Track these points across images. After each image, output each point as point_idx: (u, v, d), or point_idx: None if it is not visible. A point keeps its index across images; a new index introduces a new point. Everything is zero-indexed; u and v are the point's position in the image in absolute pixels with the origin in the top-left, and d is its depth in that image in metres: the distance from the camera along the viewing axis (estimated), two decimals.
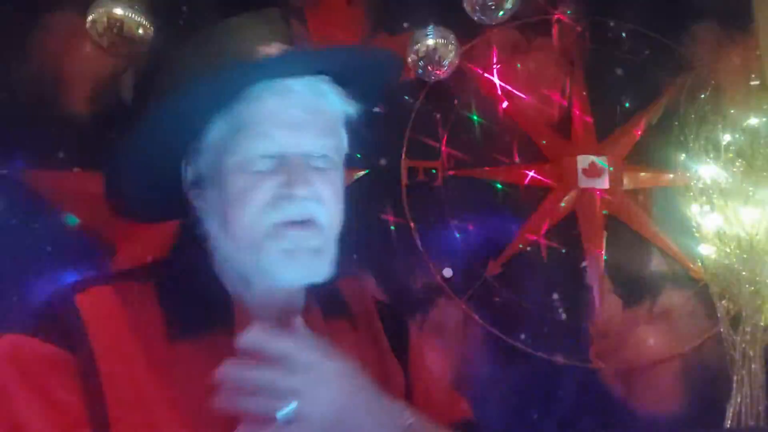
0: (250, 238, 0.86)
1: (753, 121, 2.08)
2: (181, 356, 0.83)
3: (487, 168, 2.38)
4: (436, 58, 2.22)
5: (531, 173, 2.40)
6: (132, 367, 0.81)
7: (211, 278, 0.90)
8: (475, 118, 2.40)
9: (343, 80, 0.93)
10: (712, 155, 2.07)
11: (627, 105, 2.48)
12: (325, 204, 0.88)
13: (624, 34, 2.49)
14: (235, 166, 0.86)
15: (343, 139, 0.95)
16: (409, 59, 2.24)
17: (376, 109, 2.30)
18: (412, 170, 2.32)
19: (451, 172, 2.35)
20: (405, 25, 2.34)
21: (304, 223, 0.86)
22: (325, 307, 0.96)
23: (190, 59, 0.91)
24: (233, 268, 0.90)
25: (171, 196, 0.94)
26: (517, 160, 2.41)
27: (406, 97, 2.35)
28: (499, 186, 2.38)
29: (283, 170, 0.86)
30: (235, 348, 0.83)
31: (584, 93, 2.45)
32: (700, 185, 2.09)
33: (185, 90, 0.87)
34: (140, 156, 0.91)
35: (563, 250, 2.39)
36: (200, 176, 0.91)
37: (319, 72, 0.90)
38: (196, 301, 0.87)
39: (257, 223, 0.85)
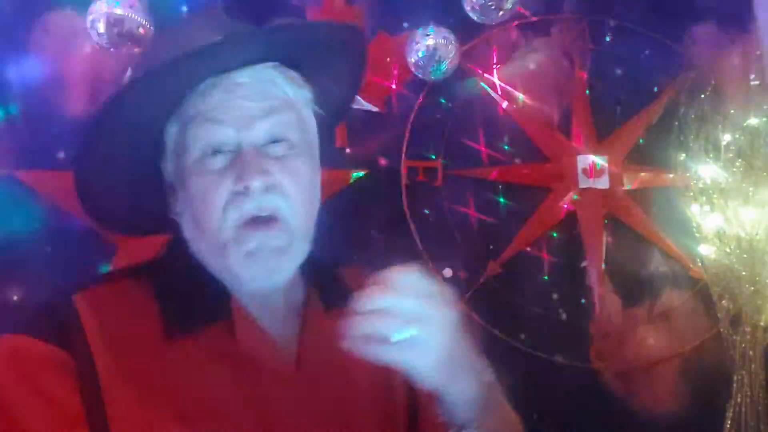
0: (216, 243, 0.84)
1: (753, 121, 2.08)
2: (179, 353, 0.82)
3: (486, 168, 2.38)
4: (436, 58, 2.22)
5: (531, 173, 2.40)
6: (130, 366, 0.80)
7: (207, 274, 0.88)
8: (475, 118, 2.40)
9: (296, 63, 0.90)
10: (712, 155, 2.07)
11: (627, 105, 2.47)
12: (288, 197, 0.85)
13: (624, 34, 2.49)
14: (193, 167, 0.85)
15: (308, 125, 0.91)
16: (409, 59, 2.24)
17: (376, 109, 2.30)
18: (412, 170, 2.32)
19: (451, 172, 2.35)
20: (405, 25, 2.34)
21: (267, 221, 0.84)
22: (327, 299, 0.94)
23: (138, 61, 0.90)
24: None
25: (156, 205, 0.92)
26: (517, 160, 2.41)
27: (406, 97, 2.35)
28: (499, 186, 2.38)
29: (236, 164, 0.83)
30: (233, 343, 0.84)
31: (584, 93, 2.45)
32: (700, 185, 2.09)
33: (129, 89, 0.85)
34: (109, 164, 0.88)
35: (563, 250, 2.39)
36: (171, 180, 0.90)
37: (265, 59, 0.87)
38: (193, 298, 0.86)
39: (222, 226, 0.83)
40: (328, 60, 0.93)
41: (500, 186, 2.38)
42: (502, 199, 2.38)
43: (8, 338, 0.81)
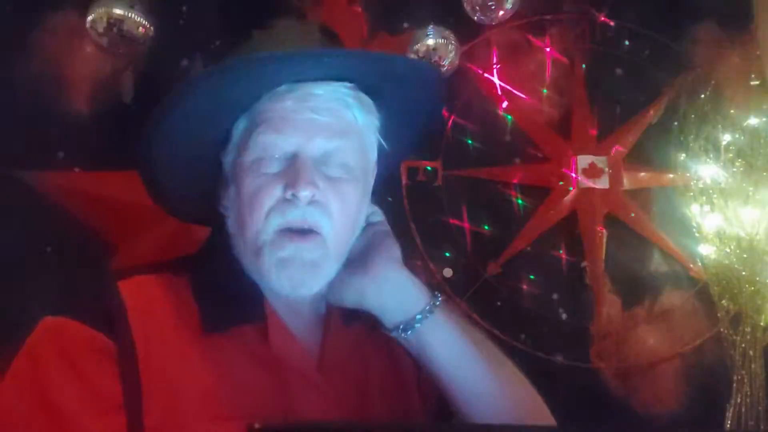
0: (253, 245, 0.87)
1: (753, 121, 2.08)
2: (214, 348, 0.84)
3: (486, 168, 2.38)
4: (436, 58, 2.22)
5: (531, 173, 2.40)
6: (169, 357, 0.82)
7: (245, 275, 0.91)
8: (475, 118, 2.40)
9: (375, 91, 0.92)
10: (712, 155, 2.07)
11: (627, 105, 2.47)
12: (331, 217, 0.86)
13: (624, 34, 2.49)
14: (249, 166, 0.87)
15: (368, 153, 0.94)
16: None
17: None
18: (412, 170, 2.32)
19: (451, 172, 2.35)
20: (405, 25, 2.34)
21: (306, 233, 0.86)
22: (345, 314, 0.97)
23: (220, 59, 0.94)
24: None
25: (208, 195, 0.95)
26: (516, 160, 2.41)
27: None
28: (499, 186, 2.38)
29: (289, 172, 0.85)
30: (265, 345, 0.87)
31: (584, 93, 2.45)
32: (700, 185, 2.09)
33: (206, 83, 0.88)
34: (174, 149, 0.91)
35: (563, 250, 2.39)
36: (227, 173, 0.92)
37: (345, 79, 0.89)
38: (229, 296, 0.89)
39: (263, 230, 0.85)
40: (402, 93, 0.95)
41: (500, 186, 2.38)
42: (501, 199, 2.38)
43: (53, 320, 0.82)
